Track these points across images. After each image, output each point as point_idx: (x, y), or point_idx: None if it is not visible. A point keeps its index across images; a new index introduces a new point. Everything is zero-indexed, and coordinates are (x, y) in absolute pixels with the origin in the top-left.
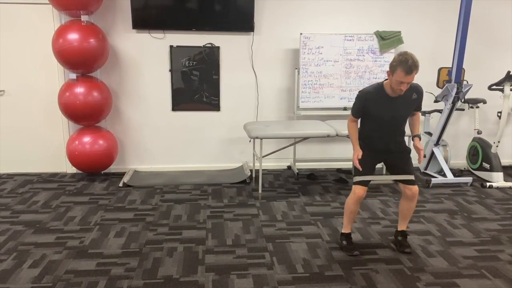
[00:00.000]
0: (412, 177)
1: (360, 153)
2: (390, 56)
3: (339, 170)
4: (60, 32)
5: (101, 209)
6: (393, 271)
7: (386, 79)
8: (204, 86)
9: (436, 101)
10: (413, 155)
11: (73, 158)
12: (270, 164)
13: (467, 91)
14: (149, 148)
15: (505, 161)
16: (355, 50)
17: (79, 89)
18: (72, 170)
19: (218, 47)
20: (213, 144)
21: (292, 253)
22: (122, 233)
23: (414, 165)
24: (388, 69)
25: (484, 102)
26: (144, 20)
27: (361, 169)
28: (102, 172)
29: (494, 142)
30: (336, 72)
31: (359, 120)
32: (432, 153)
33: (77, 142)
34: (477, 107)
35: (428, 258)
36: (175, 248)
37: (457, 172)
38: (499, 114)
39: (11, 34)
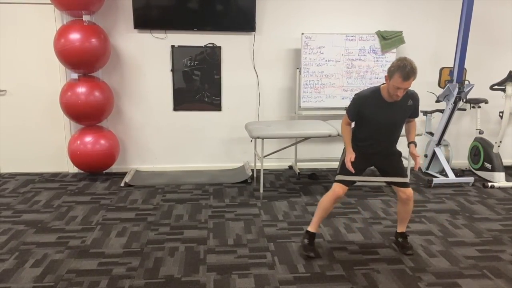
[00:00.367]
0: (405, 180)
1: (353, 156)
2: (391, 56)
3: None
4: (62, 32)
5: (102, 209)
6: (394, 271)
7: (384, 84)
8: (205, 86)
9: (437, 101)
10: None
11: (75, 158)
12: (272, 164)
13: (469, 91)
14: (151, 148)
15: (507, 161)
16: (356, 50)
17: (81, 89)
18: (74, 170)
19: (220, 47)
20: (215, 144)
21: (294, 253)
22: (123, 232)
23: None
24: (386, 73)
25: (486, 102)
26: (146, 20)
27: (353, 172)
28: (104, 172)
29: (496, 142)
30: (338, 72)
31: (353, 123)
32: (434, 153)
33: (78, 142)
34: (479, 107)
35: (430, 258)
36: (177, 248)
37: (458, 172)
38: (501, 114)
39: (13, 34)
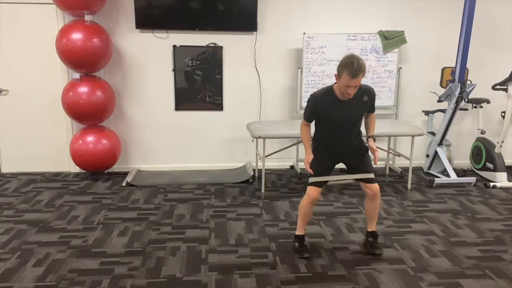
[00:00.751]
0: (371, 175)
1: (310, 157)
2: (393, 56)
3: (342, 170)
4: (64, 32)
5: (104, 209)
6: (396, 271)
7: (336, 83)
8: (207, 86)
9: (439, 101)
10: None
11: (77, 158)
12: (273, 163)
13: (471, 90)
14: (152, 147)
15: (509, 161)
16: (358, 49)
17: (83, 89)
18: (76, 169)
19: (221, 47)
20: (216, 144)
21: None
22: (125, 232)
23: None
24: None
25: (488, 102)
26: (148, 20)
27: (312, 173)
28: (105, 171)
29: (497, 142)
30: None
31: (313, 124)
32: (436, 153)
33: (80, 142)
34: (481, 107)
35: (432, 258)
36: (178, 248)
37: (460, 172)
38: (503, 114)
39: (15, 34)
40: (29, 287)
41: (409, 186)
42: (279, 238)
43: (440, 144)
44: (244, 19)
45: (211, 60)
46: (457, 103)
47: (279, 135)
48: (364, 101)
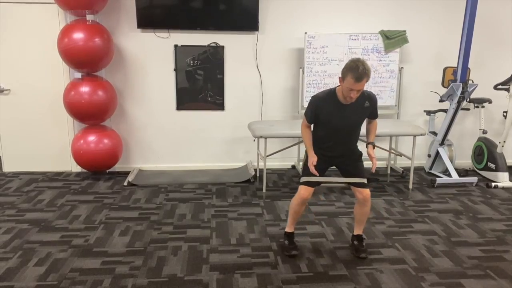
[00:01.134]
0: (363, 180)
1: (315, 159)
2: (395, 55)
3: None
4: (66, 32)
5: (105, 208)
6: (397, 271)
7: (339, 85)
8: (208, 86)
9: (441, 101)
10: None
11: (78, 157)
12: (274, 163)
13: (473, 90)
14: (154, 147)
15: (510, 161)
16: (359, 49)
17: (84, 88)
18: (77, 169)
19: (223, 47)
20: (218, 144)
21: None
22: (126, 231)
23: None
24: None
25: (490, 101)
26: (149, 19)
27: (317, 175)
28: (107, 171)
29: (499, 142)
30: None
31: (312, 125)
32: (437, 153)
33: (82, 141)
34: (483, 106)
35: (433, 258)
36: (180, 247)
37: (462, 172)
38: (504, 114)
39: (16, 34)
40: (30, 287)
41: (410, 186)
42: (280, 238)
43: (441, 144)
44: (245, 19)
45: (212, 59)
46: (459, 103)
47: (280, 135)
48: (366, 107)
